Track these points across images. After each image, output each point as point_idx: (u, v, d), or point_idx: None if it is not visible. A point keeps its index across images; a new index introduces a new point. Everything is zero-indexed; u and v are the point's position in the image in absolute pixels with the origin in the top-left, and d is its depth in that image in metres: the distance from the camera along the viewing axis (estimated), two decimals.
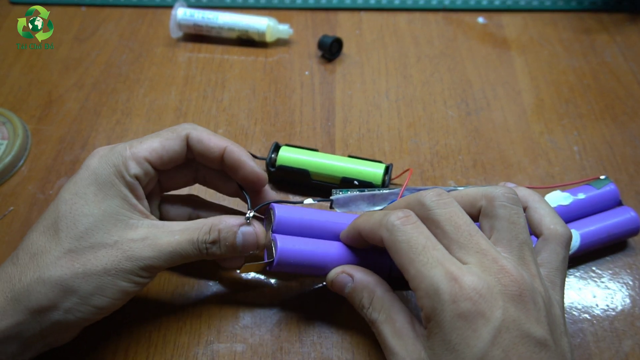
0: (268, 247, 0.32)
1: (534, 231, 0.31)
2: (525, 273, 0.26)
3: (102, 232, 0.28)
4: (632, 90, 0.50)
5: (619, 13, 0.58)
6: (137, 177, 0.30)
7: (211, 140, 0.31)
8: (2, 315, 0.27)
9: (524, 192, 0.33)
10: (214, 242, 0.30)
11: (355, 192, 0.37)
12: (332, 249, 0.32)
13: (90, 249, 0.28)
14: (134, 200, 0.30)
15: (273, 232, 0.31)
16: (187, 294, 0.36)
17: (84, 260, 0.28)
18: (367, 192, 0.37)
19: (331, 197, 0.34)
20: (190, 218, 0.35)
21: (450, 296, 0.24)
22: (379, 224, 0.28)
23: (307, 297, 0.36)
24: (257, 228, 0.31)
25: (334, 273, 0.31)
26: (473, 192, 0.30)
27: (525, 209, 0.32)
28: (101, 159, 0.30)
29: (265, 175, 0.32)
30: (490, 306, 0.24)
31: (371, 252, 0.33)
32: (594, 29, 0.56)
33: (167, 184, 0.34)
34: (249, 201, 0.32)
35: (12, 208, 0.41)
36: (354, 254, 0.32)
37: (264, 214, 0.34)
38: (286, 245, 0.30)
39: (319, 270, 0.32)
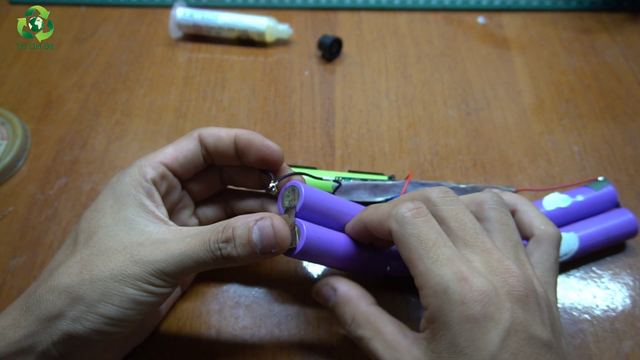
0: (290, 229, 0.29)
1: (525, 233, 0.31)
2: (523, 273, 0.26)
3: (114, 239, 0.28)
4: (632, 90, 0.50)
5: (619, 13, 0.58)
6: (153, 182, 0.30)
7: (221, 130, 0.32)
8: (16, 326, 0.27)
9: (511, 197, 0.33)
10: (227, 241, 0.27)
11: (359, 181, 0.37)
12: (341, 241, 0.31)
13: (100, 256, 0.27)
14: (152, 207, 0.29)
15: (297, 213, 0.30)
16: (187, 294, 0.36)
17: (91, 267, 0.27)
18: (369, 182, 0.37)
19: (338, 179, 0.35)
20: (226, 213, 0.36)
21: (460, 297, 0.24)
22: (387, 215, 0.27)
23: (307, 298, 0.36)
24: (276, 222, 0.27)
25: (318, 285, 0.31)
26: (469, 197, 0.30)
27: (514, 213, 0.32)
28: (120, 174, 0.31)
29: (279, 148, 0.31)
30: (499, 308, 0.24)
31: (371, 251, 0.33)
32: (594, 28, 0.56)
33: (196, 192, 0.34)
34: (272, 176, 0.32)
35: (11, 208, 0.41)
36: (357, 249, 0.31)
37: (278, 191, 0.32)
38: (312, 235, 0.29)
39: (326, 262, 0.31)
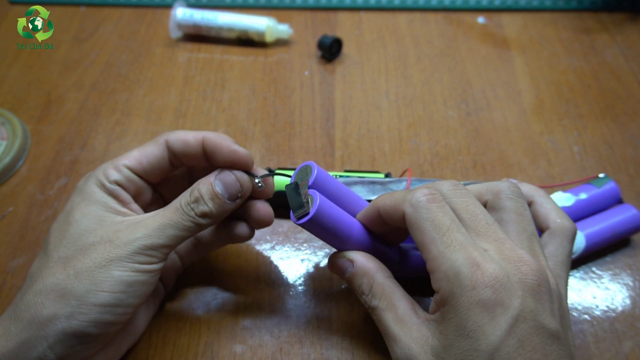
0: (295, 202, 0.30)
1: (540, 225, 0.32)
2: (538, 264, 0.26)
3: (88, 233, 0.28)
4: (632, 90, 0.50)
5: (619, 13, 0.58)
6: (118, 183, 0.30)
7: (189, 134, 0.31)
8: (7, 336, 0.27)
9: (529, 188, 0.33)
10: (196, 201, 0.29)
11: (355, 177, 0.37)
12: (355, 225, 0.31)
13: (79, 251, 0.28)
14: (116, 205, 0.30)
15: (309, 187, 0.30)
16: (187, 295, 0.36)
17: (74, 262, 0.27)
18: (367, 179, 0.37)
19: (336, 174, 0.35)
20: None
21: (471, 282, 0.24)
22: (402, 200, 0.28)
23: (307, 298, 0.36)
24: (237, 172, 0.30)
25: (334, 257, 0.31)
26: (477, 187, 0.30)
27: (530, 204, 0.32)
28: (86, 177, 0.31)
29: (247, 152, 0.31)
30: (510, 295, 0.24)
31: (383, 244, 0.33)
32: (594, 28, 0.56)
33: (169, 197, 0.34)
34: (254, 174, 0.31)
35: (11, 208, 0.41)
36: (368, 236, 0.32)
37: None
38: (324, 204, 0.29)
39: (338, 241, 0.31)
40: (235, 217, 0.33)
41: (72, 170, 0.44)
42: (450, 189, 0.28)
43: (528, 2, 0.59)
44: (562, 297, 0.27)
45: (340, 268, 0.31)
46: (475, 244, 0.26)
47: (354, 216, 0.32)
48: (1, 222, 0.40)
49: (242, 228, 0.33)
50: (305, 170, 0.31)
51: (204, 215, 0.29)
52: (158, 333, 0.34)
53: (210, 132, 0.31)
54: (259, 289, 0.36)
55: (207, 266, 0.37)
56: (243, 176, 0.30)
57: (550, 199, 0.32)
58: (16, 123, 0.46)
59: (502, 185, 0.29)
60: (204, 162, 0.32)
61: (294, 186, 0.30)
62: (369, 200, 0.39)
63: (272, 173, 0.33)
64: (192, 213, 0.29)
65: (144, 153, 0.31)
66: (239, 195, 0.30)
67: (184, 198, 0.30)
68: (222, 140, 0.30)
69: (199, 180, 0.30)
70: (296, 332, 0.34)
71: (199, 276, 0.37)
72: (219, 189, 0.30)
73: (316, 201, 0.29)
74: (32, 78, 0.52)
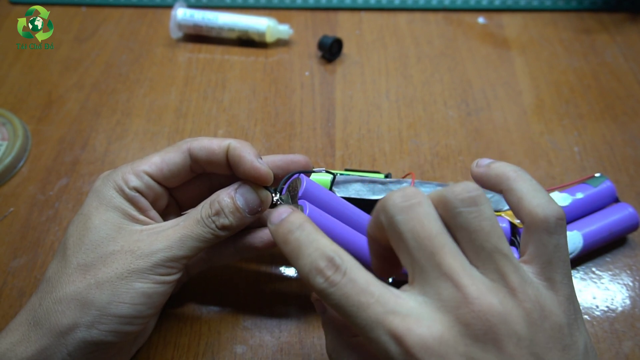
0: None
1: (518, 219, 0.25)
2: (497, 296, 0.21)
3: (108, 241, 0.28)
4: (632, 91, 0.50)
5: (619, 13, 0.58)
6: (137, 190, 0.30)
7: (213, 142, 0.30)
8: (27, 342, 0.27)
9: (500, 170, 0.26)
10: (217, 214, 0.29)
11: (355, 176, 0.37)
12: (349, 233, 0.31)
13: (100, 259, 0.28)
14: (134, 212, 0.30)
15: (299, 198, 0.30)
16: (188, 295, 0.36)
17: (95, 271, 0.27)
18: (366, 178, 0.37)
19: (333, 172, 0.36)
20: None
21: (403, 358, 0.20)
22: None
23: (307, 298, 0.36)
24: (258, 188, 0.30)
25: (313, 296, 0.30)
26: (432, 196, 0.24)
27: (502, 193, 0.26)
28: (103, 179, 0.31)
29: (267, 171, 0.30)
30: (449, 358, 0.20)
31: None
32: (594, 29, 0.56)
33: (183, 200, 0.34)
34: (271, 190, 0.31)
35: (12, 209, 0.41)
36: (364, 245, 0.31)
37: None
38: (314, 211, 0.29)
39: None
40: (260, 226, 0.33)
41: (72, 170, 0.44)
42: (398, 201, 0.23)
43: (528, 2, 0.59)
44: (545, 316, 0.21)
45: (319, 308, 0.29)
46: (396, 303, 0.21)
47: (348, 224, 0.32)
48: (2, 222, 0.41)
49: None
50: (296, 183, 0.32)
51: (224, 228, 0.29)
52: (159, 333, 0.34)
53: (234, 140, 0.30)
54: (260, 289, 0.36)
55: (208, 267, 0.37)
56: (263, 192, 0.31)
57: (524, 179, 0.25)
58: (17, 123, 0.46)
59: (449, 196, 0.23)
60: (227, 170, 0.31)
61: (285, 198, 0.30)
62: (368, 200, 0.39)
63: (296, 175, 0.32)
64: (213, 225, 0.29)
65: (165, 160, 0.31)
66: (259, 210, 0.31)
67: (204, 210, 0.29)
68: (245, 154, 0.30)
69: (219, 192, 0.30)
70: (297, 332, 0.34)
71: (200, 276, 0.37)
72: (240, 203, 0.30)
73: (305, 210, 0.29)
74: (33, 78, 0.52)
